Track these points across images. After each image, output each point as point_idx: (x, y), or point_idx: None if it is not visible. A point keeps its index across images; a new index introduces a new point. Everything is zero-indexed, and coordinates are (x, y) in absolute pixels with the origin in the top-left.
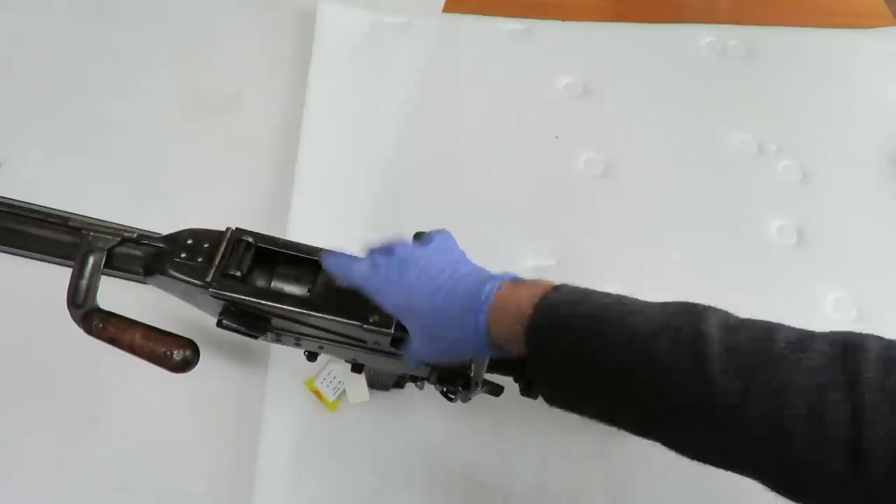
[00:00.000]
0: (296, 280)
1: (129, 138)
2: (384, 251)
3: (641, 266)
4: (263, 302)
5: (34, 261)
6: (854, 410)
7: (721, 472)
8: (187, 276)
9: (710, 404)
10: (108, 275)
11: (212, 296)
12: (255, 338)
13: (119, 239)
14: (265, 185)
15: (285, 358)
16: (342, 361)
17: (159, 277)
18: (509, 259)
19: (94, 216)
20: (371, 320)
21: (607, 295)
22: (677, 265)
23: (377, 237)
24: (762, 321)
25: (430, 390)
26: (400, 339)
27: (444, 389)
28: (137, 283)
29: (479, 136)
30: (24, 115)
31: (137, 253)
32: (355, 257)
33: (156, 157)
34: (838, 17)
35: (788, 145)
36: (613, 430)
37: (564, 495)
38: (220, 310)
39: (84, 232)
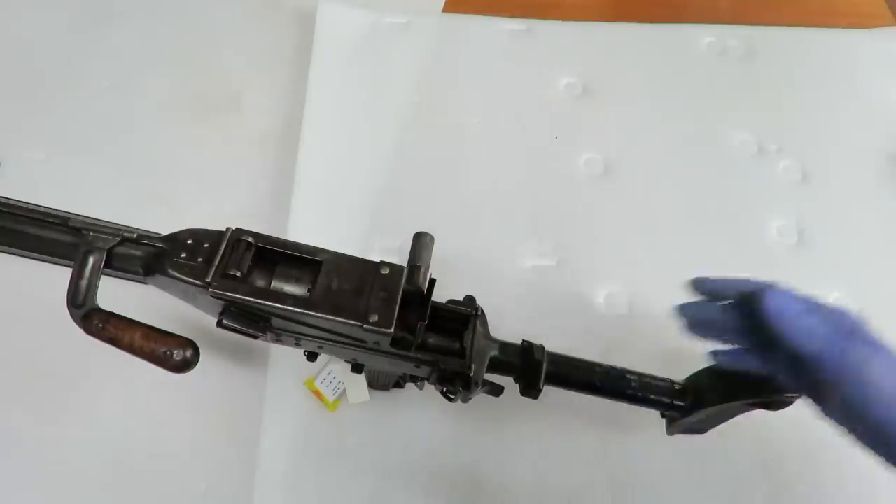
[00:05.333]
0: (296, 280)
1: (129, 138)
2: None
3: (641, 266)
4: (263, 302)
5: (34, 261)
6: None
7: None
8: (187, 276)
9: None
10: (108, 275)
11: (212, 296)
12: (255, 338)
13: (119, 239)
14: (265, 185)
15: (285, 358)
16: (342, 361)
17: (159, 277)
18: (509, 259)
19: (94, 216)
20: (371, 320)
21: None
22: (677, 265)
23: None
24: None
25: (430, 390)
26: (400, 339)
27: (444, 389)
28: (137, 283)
29: (480, 135)
30: (24, 115)
31: (137, 253)
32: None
33: (156, 157)
34: (839, 18)
35: (788, 145)
36: (614, 429)
37: (565, 495)
38: (220, 310)
39: (84, 232)
